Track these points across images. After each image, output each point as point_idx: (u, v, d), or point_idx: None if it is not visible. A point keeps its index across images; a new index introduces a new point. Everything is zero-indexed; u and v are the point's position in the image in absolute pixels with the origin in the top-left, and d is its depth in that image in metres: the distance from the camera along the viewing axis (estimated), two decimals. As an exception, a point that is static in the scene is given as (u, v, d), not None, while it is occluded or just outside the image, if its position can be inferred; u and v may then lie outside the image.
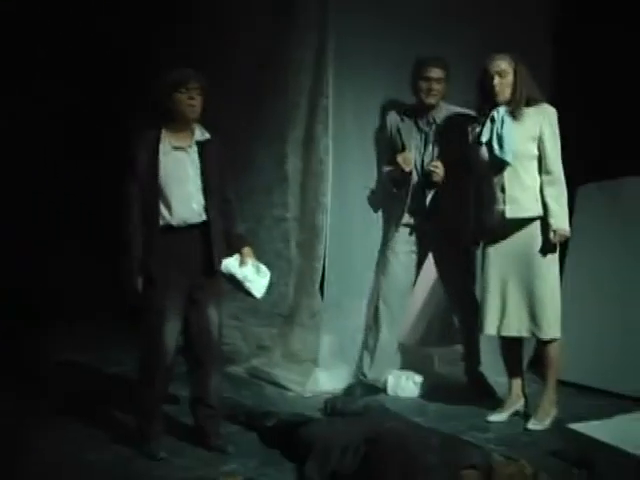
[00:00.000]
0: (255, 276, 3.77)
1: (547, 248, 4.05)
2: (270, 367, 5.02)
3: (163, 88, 3.63)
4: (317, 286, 4.90)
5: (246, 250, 3.78)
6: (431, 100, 4.53)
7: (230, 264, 3.72)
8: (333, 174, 4.78)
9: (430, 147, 4.56)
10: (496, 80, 4.05)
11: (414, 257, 4.66)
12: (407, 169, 4.53)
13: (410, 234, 4.63)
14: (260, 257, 3.93)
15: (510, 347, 4.25)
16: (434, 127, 4.57)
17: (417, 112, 4.61)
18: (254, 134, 5.23)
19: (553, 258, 4.10)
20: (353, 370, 4.78)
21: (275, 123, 5.14)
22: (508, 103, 4.07)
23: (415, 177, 4.57)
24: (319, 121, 4.85)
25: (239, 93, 5.26)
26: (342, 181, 4.83)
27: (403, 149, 4.58)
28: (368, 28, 4.70)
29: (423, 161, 4.56)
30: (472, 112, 4.41)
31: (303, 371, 4.83)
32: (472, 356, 4.73)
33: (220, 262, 3.69)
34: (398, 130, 4.63)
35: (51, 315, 6.24)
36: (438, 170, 4.46)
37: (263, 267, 3.81)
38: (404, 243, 4.64)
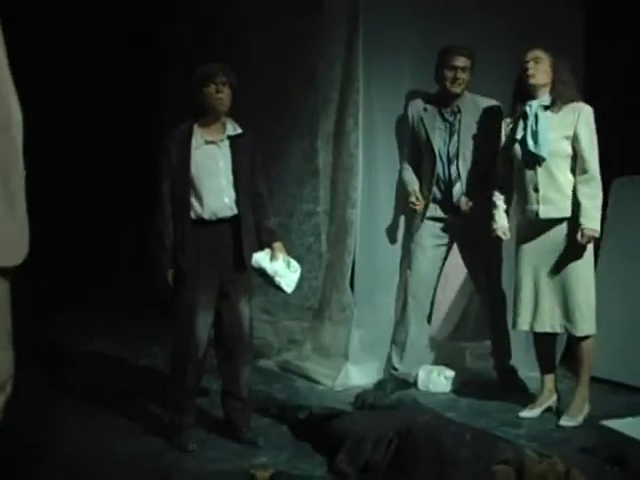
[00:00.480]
0: (286, 271, 3.75)
1: (579, 246, 4.00)
2: (301, 361, 5.03)
3: (193, 83, 3.67)
4: (347, 280, 4.90)
5: (277, 245, 3.77)
6: (456, 89, 4.48)
7: (261, 258, 3.71)
8: (363, 168, 4.78)
9: (455, 137, 4.52)
10: (530, 64, 4.02)
11: (442, 249, 4.63)
12: (418, 208, 4.55)
13: (436, 227, 4.60)
14: (291, 251, 3.94)
15: (543, 343, 4.21)
16: (459, 116, 4.53)
17: (441, 101, 4.57)
18: (285, 129, 5.25)
19: (587, 253, 4.05)
20: (383, 365, 4.77)
21: (306, 118, 5.15)
22: (543, 95, 4.03)
23: (439, 169, 4.54)
24: (350, 115, 4.84)
25: (270, 88, 5.27)
26: (372, 175, 4.82)
27: (427, 139, 4.55)
28: (397, 22, 4.69)
29: (448, 152, 4.53)
30: (497, 102, 4.39)
31: (334, 365, 4.83)
32: (501, 351, 4.69)
33: (251, 256, 3.69)
34: (421, 119, 4.59)
35: (83, 306, 6.30)
36: (468, 207, 4.48)
37: (294, 262, 3.80)
38: (430, 236, 4.61)
